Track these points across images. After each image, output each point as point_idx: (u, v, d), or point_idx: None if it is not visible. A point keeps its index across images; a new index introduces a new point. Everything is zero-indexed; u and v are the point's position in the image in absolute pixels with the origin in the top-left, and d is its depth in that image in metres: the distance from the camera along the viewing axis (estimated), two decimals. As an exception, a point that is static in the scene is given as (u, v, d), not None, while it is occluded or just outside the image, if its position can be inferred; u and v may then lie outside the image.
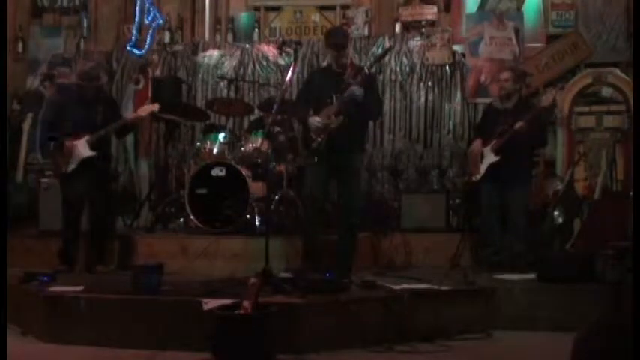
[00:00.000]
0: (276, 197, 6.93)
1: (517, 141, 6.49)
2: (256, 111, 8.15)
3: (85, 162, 6.52)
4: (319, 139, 5.89)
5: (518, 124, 6.43)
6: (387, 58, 7.80)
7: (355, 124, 5.91)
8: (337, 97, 5.80)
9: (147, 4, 8.88)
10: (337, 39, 6.04)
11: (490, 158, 6.64)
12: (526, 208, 6.69)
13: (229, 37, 9.14)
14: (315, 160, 5.96)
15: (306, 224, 6.14)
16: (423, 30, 8.66)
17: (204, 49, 8.97)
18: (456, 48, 8.63)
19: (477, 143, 6.87)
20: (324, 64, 7.42)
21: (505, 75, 6.85)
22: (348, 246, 6.11)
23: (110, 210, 6.97)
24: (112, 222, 7.14)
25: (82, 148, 6.53)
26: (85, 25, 9.15)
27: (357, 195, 6.13)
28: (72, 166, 6.54)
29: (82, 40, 9.16)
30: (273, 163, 7.10)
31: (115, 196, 7.80)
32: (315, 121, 5.87)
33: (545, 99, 6.65)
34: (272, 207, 6.75)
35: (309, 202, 6.12)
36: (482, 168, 6.68)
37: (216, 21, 9.23)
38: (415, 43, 8.63)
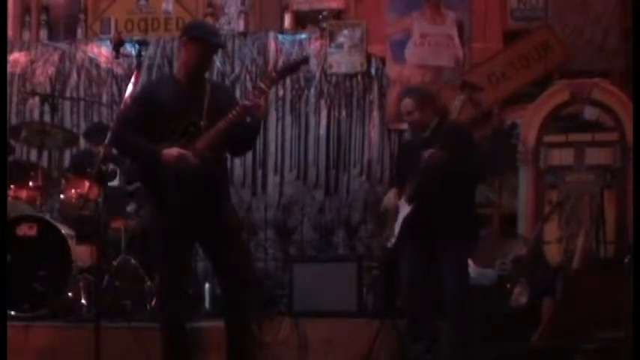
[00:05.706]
0: (112, 266, 6.57)
1: (436, 179, 5.72)
2: (82, 141, 7.70)
3: None
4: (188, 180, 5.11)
5: (428, 152, 5.69)
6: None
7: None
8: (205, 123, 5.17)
9: None
10: (209, 35, 5.33)
11: (404, 210, 5.91)
12: (464, 277, 5.87)
13: (43, 34, 8.51)
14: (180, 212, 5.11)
15: (168, 306, 5.26)
16: (325, 24, 8.09)
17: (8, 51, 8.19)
18: (373, 50, 8.04)
19: (391, 195, 6.13)
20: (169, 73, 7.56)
21: (406, 105, 6.00)
22: (242, 341, 5.37)
23: None
24: None
25: None
26: None
27: (248, 258, 5.91)
28: None
29: None
30: (107, 218, 6.67)
31: None
32: (172, 154, 5.15)
33: (455, 107, 6.08)
34: (105, 281, 6.38)
35: (177, 275, 5.29)
36: (397, 226, 5.93)
37: (23, 11, 8.63)
38: (313, 42, 8.15)
